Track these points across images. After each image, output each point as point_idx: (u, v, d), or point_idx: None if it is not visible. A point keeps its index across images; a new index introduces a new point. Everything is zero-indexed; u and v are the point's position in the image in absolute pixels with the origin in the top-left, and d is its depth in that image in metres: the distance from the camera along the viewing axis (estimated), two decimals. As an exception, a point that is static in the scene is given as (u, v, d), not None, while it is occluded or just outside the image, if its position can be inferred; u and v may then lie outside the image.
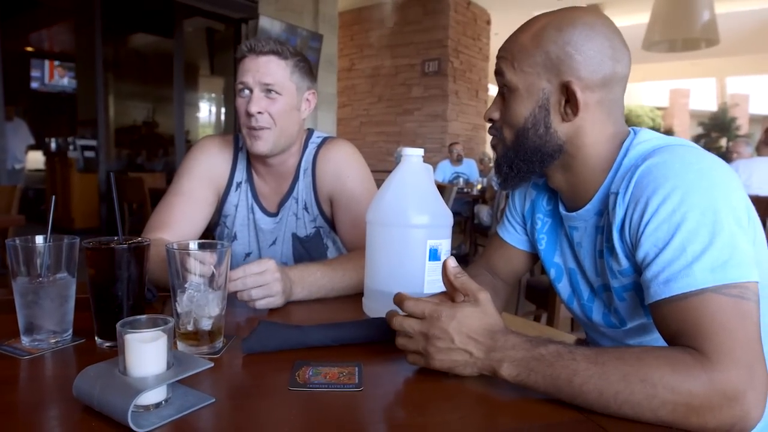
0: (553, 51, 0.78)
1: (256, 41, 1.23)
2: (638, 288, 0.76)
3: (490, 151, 8.23)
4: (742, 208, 0.69)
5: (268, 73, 1.21)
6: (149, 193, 4.58)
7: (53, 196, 0.87)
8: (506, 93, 0.83)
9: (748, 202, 0.72)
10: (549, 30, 0.79)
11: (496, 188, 4.76)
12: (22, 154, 6.83)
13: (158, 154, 7.77)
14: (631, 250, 0.75)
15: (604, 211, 0.81)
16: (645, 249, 0.70)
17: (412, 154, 0.96)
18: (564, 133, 0.81)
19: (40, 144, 7.25)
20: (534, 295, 2.59)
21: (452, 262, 0.74)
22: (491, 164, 6.86)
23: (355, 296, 1.07)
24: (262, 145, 1.23)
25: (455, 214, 6.05)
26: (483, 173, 6.98)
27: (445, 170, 6.73)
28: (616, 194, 0.76)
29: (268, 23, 6.24)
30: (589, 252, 0.87)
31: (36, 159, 7.47)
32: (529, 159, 0.83)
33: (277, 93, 1.23)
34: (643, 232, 0.71)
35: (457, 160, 6.79)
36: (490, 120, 0.88)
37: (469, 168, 6.90)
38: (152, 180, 5.38)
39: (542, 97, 0.80)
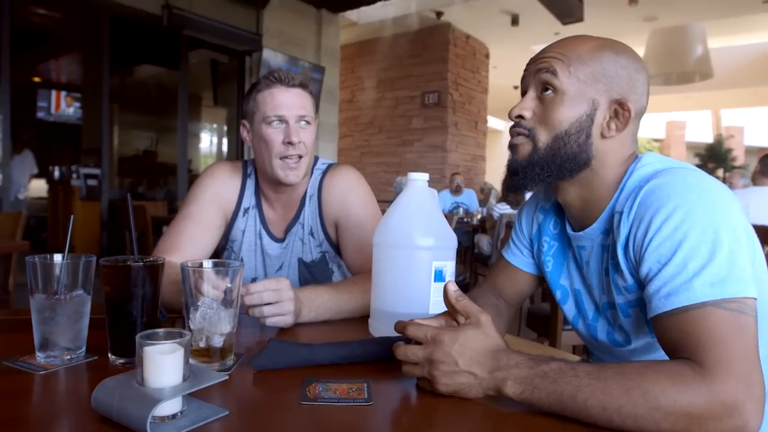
0: (610, 70, 0.82)
1: (282, 74, 1.30)
2: (642, 304, 0.78)
3: (489, 181, 8.30)
4: (741, 228, 0.72)
5: (302, 105, 1.29)
6: (151, 221, 4.61)
7: (72, 216, 0.90)
8: (549, 95, 0.83)
9: (747, 224, 0.74)
10: (607, 50, 0.83)
11: (495, 218, 4.79)
12: (26, 184, 6.89)
13: (160, 184, 7.84)
14: (635, 267, 0.78)
15: (610, 230, 0.84)
16: (648, 265, 0.73)
17: (418, 179, 1.00)
18: (597, 148, 0.83)
19: (43, 172, 7.32)
20: (535, 322, 2.60)
21: (452, 286, 0.77)
22: (491, 192, 6.92)
23: (361, 318, 1.09)
24: (296, 175, 1.29)
25: (455, 243, 6.09)
26: (482, 203, 7.03)
27: (445, 200, 6.79)
28: (621, 213, 0.80)
29: (272, 55, 6.39)
30: (596, 270, 0.89)
31: (39, 187, 7.53)
32: (560, 165, 0.83)
33: (308, 123, 1.30)
34: (646, 249, 0.73)
35: (457, 191, 6.86)
36: (519, 117, 0.86)
37: (469, 198, 6.95)
38: (154, 208, 5.41)
39: (591, 107, 0.82)
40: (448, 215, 4.91)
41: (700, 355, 0.63)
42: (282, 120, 1.28)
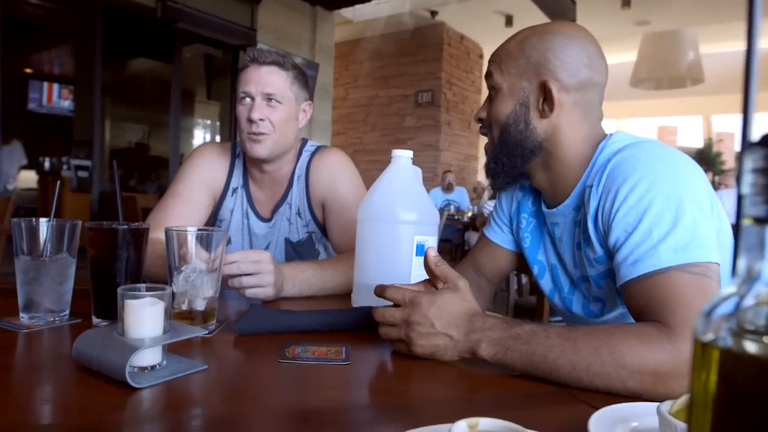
0: (533, 56, 0.86)
1: (258, 52, 1.30)
2: (613, 275, 0.80)
3: (482, 180, 8.34)
4: (704, 197, 0.74)
5: (270, 83, 1.28)
6: (142, 213, 4.60)
7: (57, 182, 0.91)
8: (493, 94, 0.91)
9: (713, 195, 0.77)
10: (532, 38, 0.87)
11: (486, 214, 4.83)
12: (14, 174, 6.85)
13: (152, 177, 7.80)
14: (604, 237, 0.80)
15: (581, 206, 0.86)
16: (616, 234, 0.76)
17: (402, 155, 1.01)
18: (543, 130, 0.88)
19: (33, 163, 7.28)
20: (522, 315, 2.63)
21: (432, 252, 0.79)
22: (485, 191, 6.97)
23: (345, 295, 1.10)
24: (261, 148, 1.28)
25: (445, 241, 6.13)
26: (474, 201, 7.06)
27: (437, 198, 6.82)
28: (591, 187, 0.82)
29: (266, 51, 6.38)
30: (569, 245, 0.92)
31: (28, 178, 7.48)
32: (511, 154, 0.90)
33: (278, 102, 1.29)
34: (613, 219, 0.76)
35: (448, 188, 6.88)
36: (479, 120, 0.95)
37: (460, 196, 6.99)
38: (145, 200, 5.38)
39: (523, 96, 0.87)
40: (439, 212, 4.95)
41: (665, 316, 0.65)
42: (249, 96, 1.28)
